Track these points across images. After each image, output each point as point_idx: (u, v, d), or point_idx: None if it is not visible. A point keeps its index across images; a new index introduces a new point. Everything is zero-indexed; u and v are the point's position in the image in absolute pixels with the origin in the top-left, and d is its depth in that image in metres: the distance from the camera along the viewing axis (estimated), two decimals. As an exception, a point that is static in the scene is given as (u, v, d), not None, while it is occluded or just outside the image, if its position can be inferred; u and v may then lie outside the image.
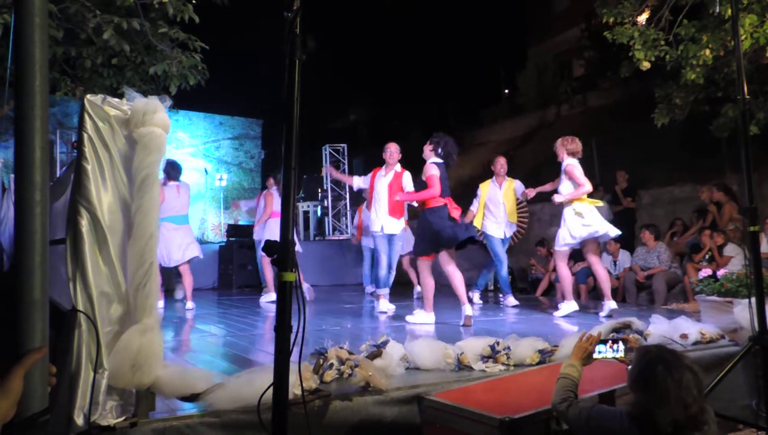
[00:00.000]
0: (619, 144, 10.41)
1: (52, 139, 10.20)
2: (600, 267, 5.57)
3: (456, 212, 4.98)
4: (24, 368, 1.17)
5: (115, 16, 5.84)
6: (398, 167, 6.04)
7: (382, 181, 5.98)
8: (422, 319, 5.01)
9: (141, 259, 2.21)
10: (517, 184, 6.69)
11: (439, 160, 5.06)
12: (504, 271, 6.60)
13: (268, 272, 7.02)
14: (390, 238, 6.00)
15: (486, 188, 6.69)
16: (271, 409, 1.77)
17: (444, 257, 4.96)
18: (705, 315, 4.61)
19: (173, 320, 5.49)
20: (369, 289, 7.87)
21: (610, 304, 5.31)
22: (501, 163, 6.68)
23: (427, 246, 4.94)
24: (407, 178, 6.00)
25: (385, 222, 5.91)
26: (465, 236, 4.83)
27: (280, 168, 1.91)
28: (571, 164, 5.51)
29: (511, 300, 6.51)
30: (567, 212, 5.47)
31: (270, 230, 7.00)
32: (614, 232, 5.47)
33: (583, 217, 5.38)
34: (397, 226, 5.97)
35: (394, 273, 6.28)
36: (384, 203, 5.90)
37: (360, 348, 2.99)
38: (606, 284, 5.45)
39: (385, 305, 5.89)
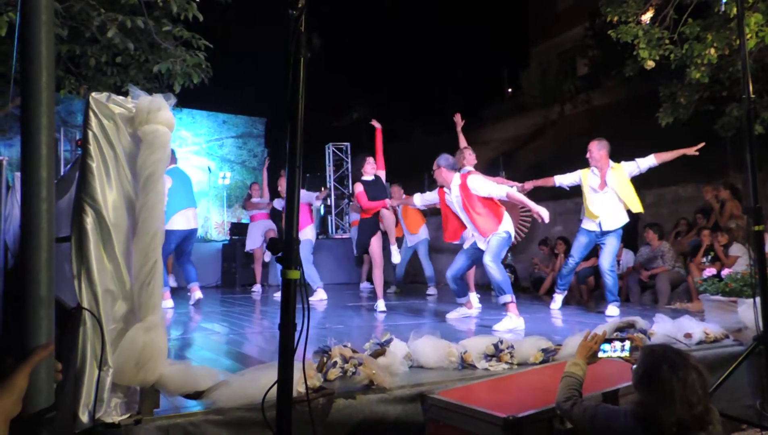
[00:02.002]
0: (622, 143, 10.35)
1: (57, 137, 10.23)
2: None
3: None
4: (30, 365, 1.18)
5: (119, 15, 5.85)
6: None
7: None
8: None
9: (145, 257, 2.21)
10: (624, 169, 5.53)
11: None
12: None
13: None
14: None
15: (585, 177, 5.69)
16: (275, 406, 1.77)
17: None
18: (709, 314, 4.60)
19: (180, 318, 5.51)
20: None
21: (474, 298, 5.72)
22: (591, 149, 5.59)
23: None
24: (474, 182, 4.99)
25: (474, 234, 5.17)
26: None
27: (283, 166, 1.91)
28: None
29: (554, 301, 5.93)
30: None
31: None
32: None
33: None
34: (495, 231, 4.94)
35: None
36: (462, 216, 5.12)
37: (364, 346, 2.99)
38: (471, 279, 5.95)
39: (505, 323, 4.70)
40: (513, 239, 5.20)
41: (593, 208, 5.55)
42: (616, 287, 5.57)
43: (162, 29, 6.30)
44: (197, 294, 6.46)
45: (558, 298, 5.94)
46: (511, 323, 4.57)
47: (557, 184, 5.84)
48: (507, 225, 4.98)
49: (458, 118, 6.16)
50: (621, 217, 5.50)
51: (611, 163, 5.56)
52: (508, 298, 4.71)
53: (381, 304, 5.76)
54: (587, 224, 5.63)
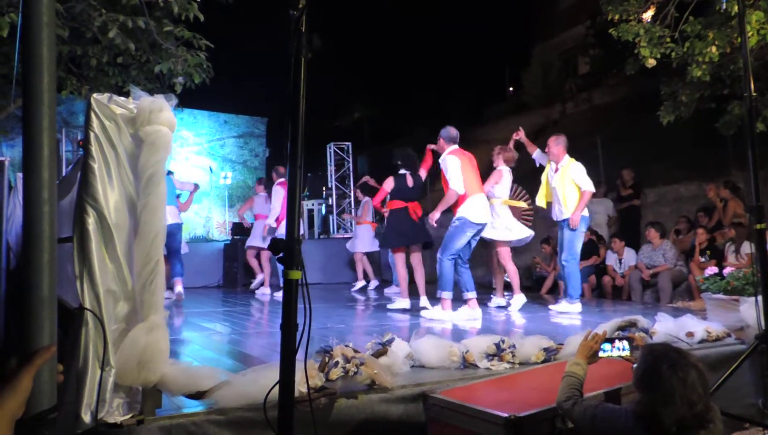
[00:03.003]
0: (624, 141, 10.37)
1: (58, 138, 10.25)
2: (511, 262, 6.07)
3: (417, 213, 5.80)
4: (34, 368, 1.18)
5: (120, 15, 5.86)
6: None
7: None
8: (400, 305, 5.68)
9: (147, 257, 2.21)
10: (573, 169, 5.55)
11: (403, 171, 5.83)
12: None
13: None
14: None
15: (548, 167, 5.86)
16: (277, 406, 1.77)
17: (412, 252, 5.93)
18: (711, 313, 4.59)
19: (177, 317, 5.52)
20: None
21: (520, 298, 5.75)
22: (549, 143, 5.76)
23: (395, 240, 5.84)
24: (446, 163, 5.31)
25: None
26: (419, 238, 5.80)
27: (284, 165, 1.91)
28: (499, 170, 6.06)
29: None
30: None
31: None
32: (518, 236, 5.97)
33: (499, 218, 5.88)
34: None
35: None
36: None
37: (365, 346, 2.99)
38: (516, 277, 5.94)
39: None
40: (476, 225, 5.23)
41: (549, 195, 5.85)
42: (571, 280, 5.48)
43: (163, 29, 6.31)
44: (178, 288, 6.44)
45: (567, 305, 5.53)
46: (447, 315, 4.96)
47: (533, 156, 6.05)
48: (465, 211, 5.16)
49: (521, 134, 6.12)
50: (562, 212, 5.62)
51: (566, 159, 5.63)
52: (445, 295, 5.08)
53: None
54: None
